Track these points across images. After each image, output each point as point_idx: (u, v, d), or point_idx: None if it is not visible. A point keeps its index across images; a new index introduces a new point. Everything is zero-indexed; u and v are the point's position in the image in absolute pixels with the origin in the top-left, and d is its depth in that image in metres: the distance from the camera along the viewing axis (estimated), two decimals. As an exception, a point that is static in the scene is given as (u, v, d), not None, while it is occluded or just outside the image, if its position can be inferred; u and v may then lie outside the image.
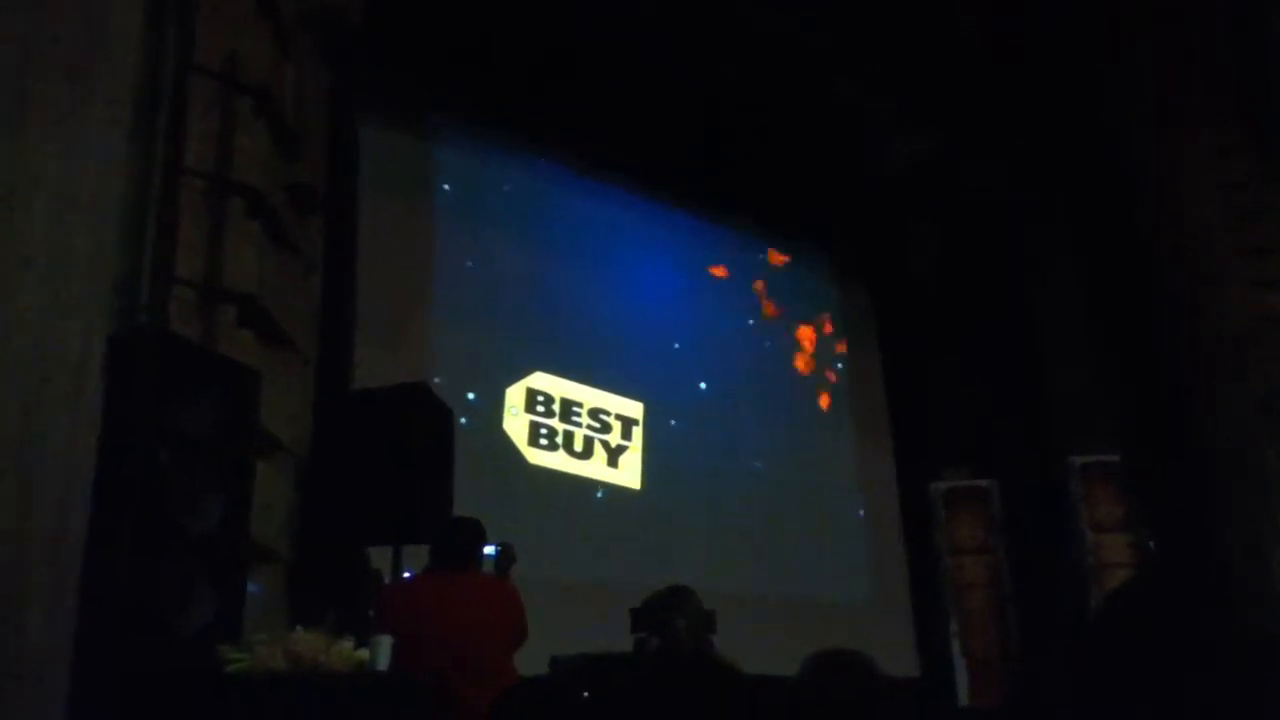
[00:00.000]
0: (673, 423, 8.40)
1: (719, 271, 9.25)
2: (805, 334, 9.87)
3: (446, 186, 7.58)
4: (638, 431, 8.17)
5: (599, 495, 7.77)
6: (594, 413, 7.91)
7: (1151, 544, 8.39)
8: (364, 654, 3.41)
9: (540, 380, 7.63)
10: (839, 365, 10.09)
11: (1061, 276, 9.50)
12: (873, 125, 8.83)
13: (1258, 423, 7.50)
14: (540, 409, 7.59)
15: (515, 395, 7.45)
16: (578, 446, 7.76)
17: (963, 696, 8.50)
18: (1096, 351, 9.15)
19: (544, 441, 7.54)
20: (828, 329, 10.10)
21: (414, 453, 4.26)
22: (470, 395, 7.04)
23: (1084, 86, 8.20)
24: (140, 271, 3.75)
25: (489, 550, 4.59)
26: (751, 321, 9.42)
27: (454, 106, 7.58)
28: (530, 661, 4.53)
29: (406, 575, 4.46)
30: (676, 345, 8.69)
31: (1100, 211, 8.69)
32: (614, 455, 7.96)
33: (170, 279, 3.83)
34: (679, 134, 8.25)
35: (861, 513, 9.62)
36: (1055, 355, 9.43)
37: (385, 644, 3.44)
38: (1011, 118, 8.55)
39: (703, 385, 8.74)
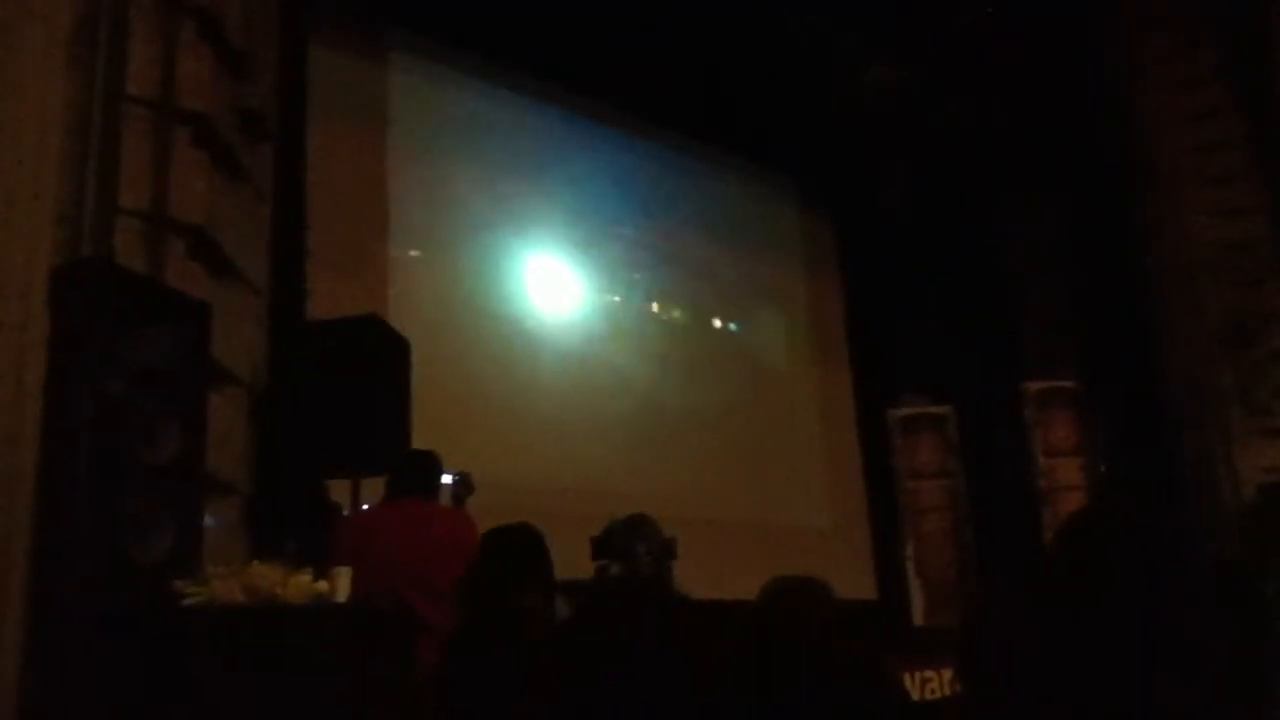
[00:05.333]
0: (632, 346, 8.40)
1: (681, 195, 9.16)
2: (768, 259, 9.88)
3: (401, 108, 7.42)
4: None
5: (558, 422, 7.76)
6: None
7: (1102, 468, 8.55)
8: (323, 586, 3.42)
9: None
10: (800, 290, 10.11)
11: (1024, 206, 9.53)
12: (840, 53, 8.70)
13: (1214, 350, 7.61)
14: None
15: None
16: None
17: (918, 617, 8.69)
18: (1055, 279, 9.22)
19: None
20: (788, 257, 10.10)
21: (370, 385, 4.22)
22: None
23: (1055, 17, 8.14)
24: (83, 203, 3.64)
25: (446, 479, 4.59)
26: (714, 245, 9.38)
27: (409, 24, 7.40)
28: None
29: (364, 508, 4.46)
30: (631, 269, 8.65)
31: (1067, 143, 8.70)
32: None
33: (114, 210, 3.73)
34: (642, 58, 8.08)
35: (820, 439, 9.71)
36: (1013, 283, 9.50)
37: (344, 575, 3.45)
38: (982, 47, 8.46)
39: (661, 307, 8.73)
